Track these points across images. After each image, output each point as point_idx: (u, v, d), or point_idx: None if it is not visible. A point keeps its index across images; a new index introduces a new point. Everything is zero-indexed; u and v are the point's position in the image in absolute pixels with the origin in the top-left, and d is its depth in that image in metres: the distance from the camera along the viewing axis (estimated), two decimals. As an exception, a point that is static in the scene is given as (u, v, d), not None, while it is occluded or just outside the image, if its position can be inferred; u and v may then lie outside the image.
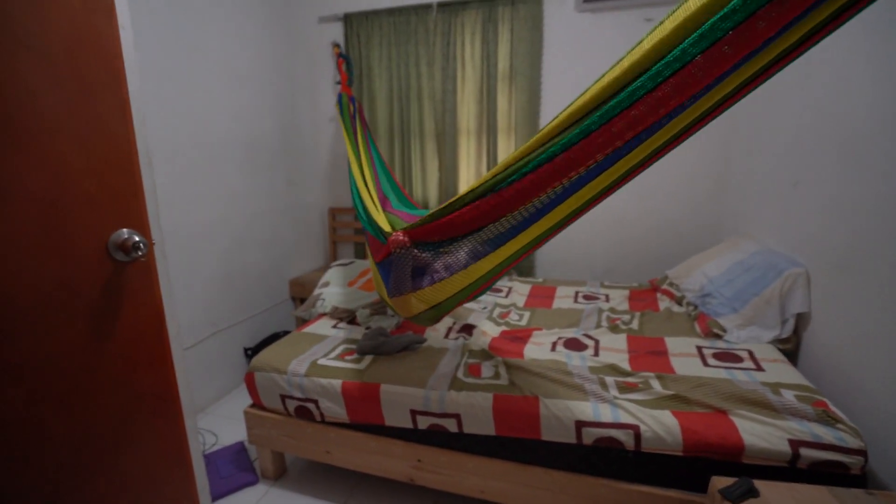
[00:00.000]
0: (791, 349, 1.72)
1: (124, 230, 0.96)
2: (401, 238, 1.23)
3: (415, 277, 1.26)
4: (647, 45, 0.83)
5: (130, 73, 1.00)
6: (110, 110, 0.94)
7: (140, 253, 0.95)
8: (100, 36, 0.91)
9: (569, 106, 0.96)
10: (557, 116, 0.98)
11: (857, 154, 1.46)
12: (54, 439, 0.85)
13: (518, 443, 1.44)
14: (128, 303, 0.99)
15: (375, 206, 1.81)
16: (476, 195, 1.07)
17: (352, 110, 2.71)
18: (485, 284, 1.34)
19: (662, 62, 0.81)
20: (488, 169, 2.95)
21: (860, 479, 1.17)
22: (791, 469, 1.19)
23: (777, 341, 1.72)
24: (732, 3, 0.72)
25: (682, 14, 0.79)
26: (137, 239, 0.95)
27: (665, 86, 0.82)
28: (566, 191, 0.99)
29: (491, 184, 1.05)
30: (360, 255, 3.38)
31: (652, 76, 0.82)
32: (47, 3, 0.80)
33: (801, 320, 1.73)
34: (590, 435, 1.34)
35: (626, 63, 0.87)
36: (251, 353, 2.66)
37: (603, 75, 0.92)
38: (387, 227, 1.47)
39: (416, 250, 1.22)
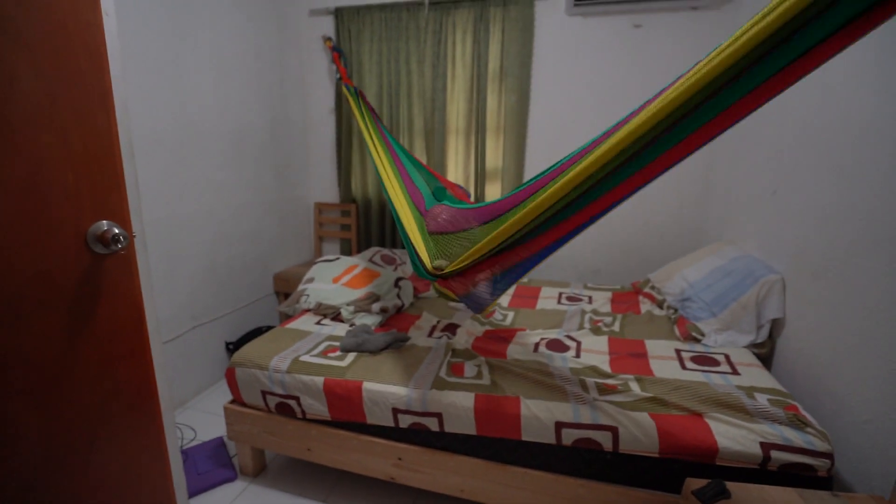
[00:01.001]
0: (766, 354, 1.76)
1: (104, 222, 0.94)
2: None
3: (492, 292, 1.42)
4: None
5: (113, 61, 0.97)
6: (92, 99, 0.92)
7: (120, 245, 0.94)
8: (82, 23, 0.89)
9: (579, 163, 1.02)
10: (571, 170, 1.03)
11: (834, 165, 1.51)
12: (27, 436, 0.83)
13: (499, 443, 1.45)
14: (106, 296, 0.97)
15: (413, 225, 1.74)
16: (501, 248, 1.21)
17: (363, 103, 2.64)
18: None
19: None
20: (476, 168, 2.96)
21: (826, 481, 1.21)
22: (762, 471, 1.23)
23: (753, 346, 1.77)
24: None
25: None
26: (117, 231, 0.93)
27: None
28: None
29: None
30: (346, 251, 3.37)
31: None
32: (27, -12, 0.78)
33: (776, 326, 1.78)
34: (569, 436, 1.36)
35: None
36: (233, 347, 2.63)
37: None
38: (428, 264, 1.49)
39: (476, 290, 1.38)
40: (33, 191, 0.81)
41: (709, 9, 2.52)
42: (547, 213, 1.10)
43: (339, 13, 3.02)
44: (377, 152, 2.20)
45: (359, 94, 2.68)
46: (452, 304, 2.30)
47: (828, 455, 1.19)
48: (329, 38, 3.06)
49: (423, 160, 3.06)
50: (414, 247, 1.58)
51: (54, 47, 0.83)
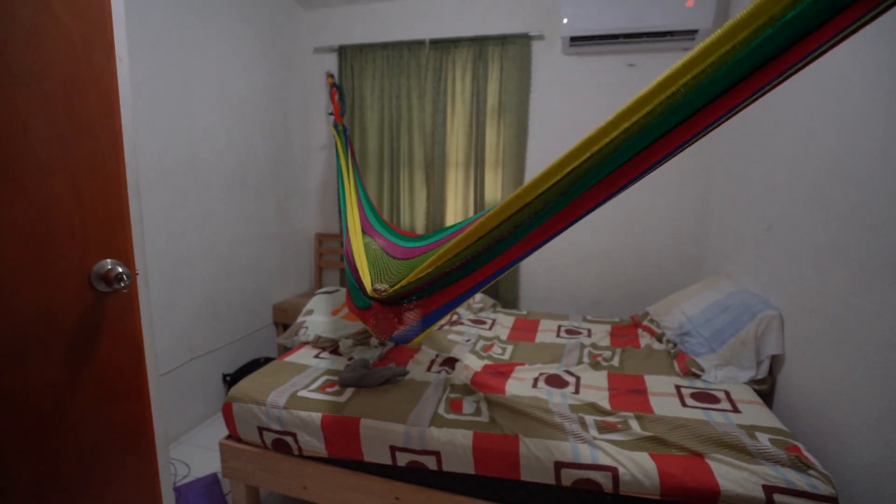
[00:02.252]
0: (767, 390, 1.75)
1: (108, 261, 0.96)
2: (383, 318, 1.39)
3: (421, 327, 1.37)
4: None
5: (125, 106, 1.01)
6: (102, 144, 0.95)
7: (123, 284, 0.95)
8: (97, 73, 0.93)
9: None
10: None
11: (825, 205, 1.54)
12: (21, 476, 0.83)
13: (498, 482, 1.42)
14: (106, 334, 0.98)
15: (361, 251, 1.85)
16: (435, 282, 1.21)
17: (344, 140, 2.75)
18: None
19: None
20: (475, 201, 3.01)
21: (832, 526, 1.18)
22: (766, 515, 1.20)
23: (753, 382, 1.75)
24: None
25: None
26: (121, 270, 0.95)
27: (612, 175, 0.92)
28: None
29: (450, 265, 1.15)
30: (346, 282, 3.37)
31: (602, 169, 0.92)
32: (47, 42, 0.82)
33: (776, 362, 1.77)
34: (569, 476, 1.33)
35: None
36: (230, 379, 2.60)
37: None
38: (368, 287, 1.52)
39: (406, 327, 1.36)
40: (40, 232, 0.83)
41: (700, 50, 2.60)
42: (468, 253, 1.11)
43: (342, 51, 3.12)
44: (349, 188, 2.34)
45: (346, 134, 2.78)
46: (452, 337, 2.29)
47: (832, 499, 1.17)
48: (331, 75, 3.15)
49: (423, 192, 3.11)
50: (359, 269, 1.65)
51: (68, 95, 0.87)
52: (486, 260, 1.12)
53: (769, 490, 1.20)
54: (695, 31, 2.43)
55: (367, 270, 1.66)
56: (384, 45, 3.02)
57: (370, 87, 3.10)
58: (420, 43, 2.95)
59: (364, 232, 2.04)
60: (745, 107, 0.92)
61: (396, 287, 1.32)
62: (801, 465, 1.24)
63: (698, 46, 0.77)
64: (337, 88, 3.05)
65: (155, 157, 2.10)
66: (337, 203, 3.39)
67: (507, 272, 1.27)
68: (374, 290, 1.46)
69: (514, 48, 2.80)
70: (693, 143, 0.97)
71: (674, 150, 0.92)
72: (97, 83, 0.93)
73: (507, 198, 1.00)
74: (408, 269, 1.44)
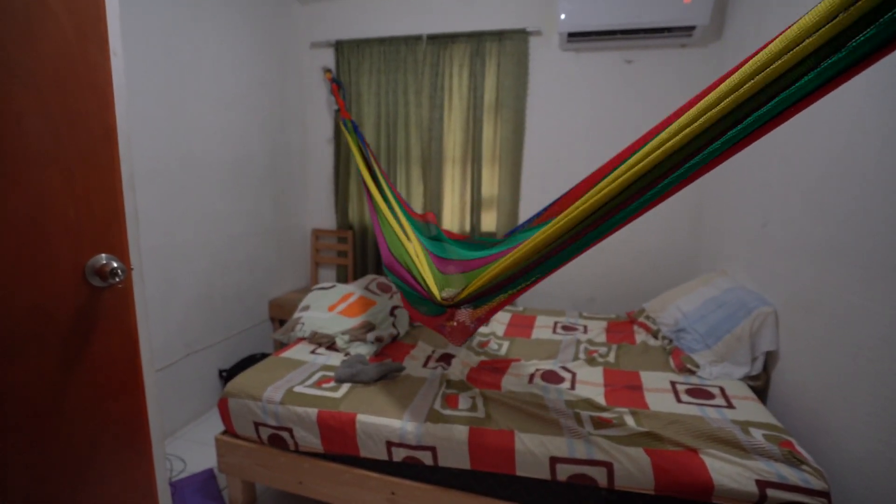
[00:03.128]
0: (761, 386, 1.76)
1: (103, 255, 0.95)
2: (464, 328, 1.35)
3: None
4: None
5: (119, 99, 1.00)
6: (96, 137, 0.94)
7: (118, 279, 0.95)
8: (91, 65, 0.92)
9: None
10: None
11: (818, 201, 1.55)
12: (15, 472, 0.82)
13: (493, 477, 1.43)
14: (101, 329, 0.97)
15: (421, 257, 1.70)
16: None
17: (356, 137, 2.68)
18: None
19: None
20: (472, 197, 3.00)
21: (824, 521, 1.19)
22: (758, 509, 1.21)
23: (748, 378, 1.77)
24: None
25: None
26: (116, 265, 0.94)
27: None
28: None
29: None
30: (342, 278, 3.37)
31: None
32: (40, 35, 0.81)
33: (771, 358, 1.78)
34: (564, 471, 1.34)
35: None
36: (226, 374, 2.60)
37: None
38: (435, 291, 1.45)
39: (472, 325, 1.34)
40: (34, 226, 0.83)
41: (696, 46, 2.61)
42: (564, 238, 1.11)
43: (339, 46, 3.11)
44: (372, 184, 2.24)
45: (357, 128, 2.74)
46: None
47: (824, 494, 1.18)
48: (329, 70, 3.14)
49: (420, 188, 3.11)
50: (423, 277, 1.54)
51: (62, 89, 0.86)
52: (555, 264, 1.15)
53: (762, 485, 1.21)
54: (692, 28, 2.43)
55: (430, 276, 1.55)
56: (381, 41, 3.01)
57: (367, 82, 3.09)
58: (417, 38, 2.94)
59: (416, 235, 1.93)
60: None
61: (465, 293, 1.32)
62: (794, 461, 1.25)
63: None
64: (337, 84, 3.04)
65: (150, 152, 2.09)
66: (335, 198, 3.38)
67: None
68: (444, 298, 1.40)
69: (511, 44, 2.80)
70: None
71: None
72: (91, 77, 0.92)
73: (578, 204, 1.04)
74: (465, 279, 1.45)
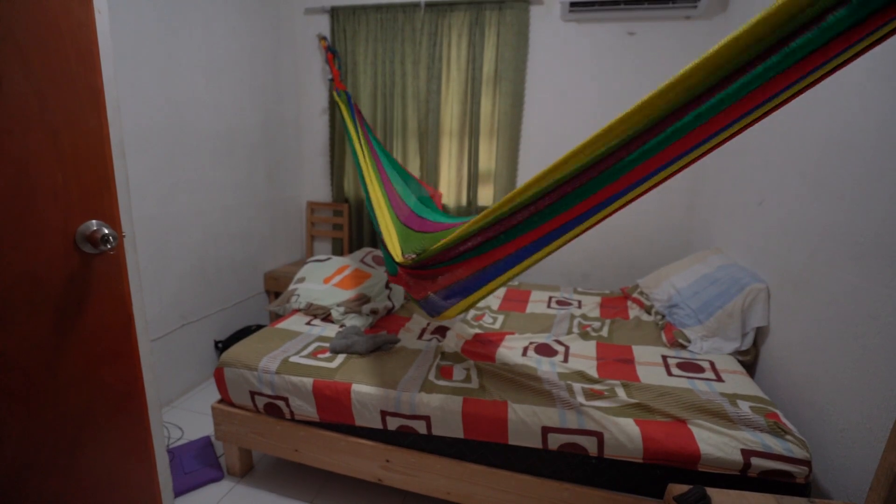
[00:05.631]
0: (750, 361, 1.79)
1: (93, 222, 0.94)
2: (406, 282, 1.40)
3: (446, 299, 1.36)
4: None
5: (105, 61, 0.97)
6: (82, 99, 0.91)
7: (109, 246, 0.93)
8: (74, 22, 0.88)
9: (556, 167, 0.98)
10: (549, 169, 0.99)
11: (815, 179, 1.54)
12: (10, 436, 0.83)
13: (485, 446, 1.46)
14: (94, 296, 0.97)
15: (388, 222, 1.83)
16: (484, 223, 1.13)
17: (348, 108, 2.66)
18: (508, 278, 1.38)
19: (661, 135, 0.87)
20: (469, 170, 2.98)
21: (804, 488, 1.23)
22: (742, 477, 1.25)
23: (737, 353, 1.80)
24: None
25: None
26: (107, 231, 0.93)
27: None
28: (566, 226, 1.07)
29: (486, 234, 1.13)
30: (338, 251, 3.36)
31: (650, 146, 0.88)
32: (19, -13, 0.78)
33: (760, 334, 1.81)
34: (555, 440, 1.37)
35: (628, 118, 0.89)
36: (222, 346, 2.62)
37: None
38: (398, 256, 1.52)
39: (433, 296, 1.35)
40: (21, 191, 0.81)
41: (701, 18, 2.55)
42: (518, 214, 1.07)
43: (334, 12, 3.01)
44: (364, 158, 2.24)
45: (350, 99, 2.68)
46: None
47: (806, 462, 1.21)
48: (324, 38, 3.05)
49: (417, 161, 3.07)
50: (385, 240, 1.65)
51: (45, 47, 0.83)
52: (511, 237, 1.11)
53: (747, 454, 1.24)
54: (697, 0, 2.37)
55: (396, 239, 1.68)
56: (378, 7, 2.91)
57: (363, 51, 3.01)
58: (415, 5, 2.85)
59: (390, 203, 2.03)
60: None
61: (423, 254, 1.31)
62: (779, 431, 1.28)
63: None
64: (332, 52, 2.96)
65: (140, 120, 2.04)
66: (330, 170, 3.34)
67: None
68: (405, 257, 1.47)
69: (511, 13, 2.72)
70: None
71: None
72: (74, 36, 0.89)
73: (537, 174, 0.99)
74: (430, 240, 1.47)
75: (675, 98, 0.83)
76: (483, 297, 1.44)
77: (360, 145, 2.31)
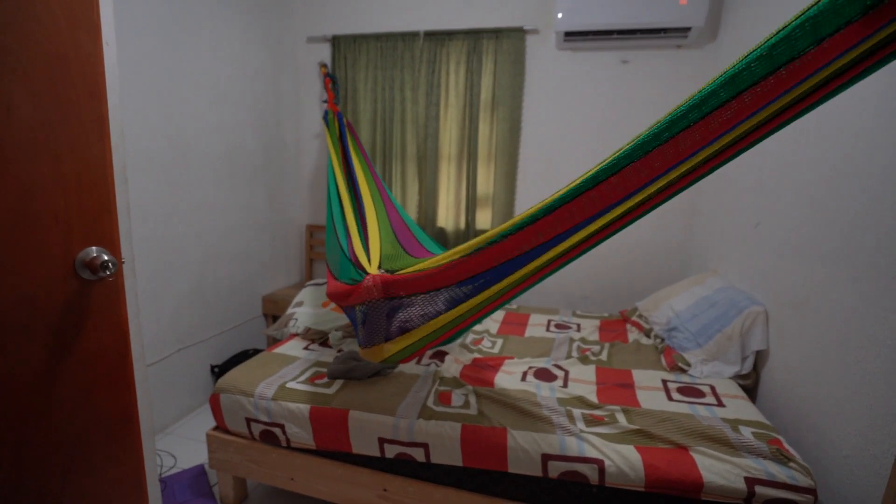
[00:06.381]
0: (751, 385, 1.78)
1: (93, 248, 0.94)
2: (373, 285, 1.26)
3: (388, 326, 1.31)
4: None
5: (111, 90, 0.99)
6: (87, 128, 0.93)
7: (108, 272, 0.94)
8: (83, 54, 0.91)
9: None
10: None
11: (812, 202, 1.56)
12: (1, 464, 0.81)
13: (485, 474, 1.43)
14: (91, 322, 0.96)
15: (358, 234, 1.81)
16: (463, 253, 1.13)
17: (338, 128, 2.72)
18: (460, 325, 1.37)
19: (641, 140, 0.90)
20: (468, 194, 3.01)
21: (811, 517, 1.21)
22: (747, 506, 1.22)
23: (738, 377, 1.78)
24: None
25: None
26: (107, 258, 0.93)
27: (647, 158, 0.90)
28: (543, 246, 1.05)
29: (477, 242, 1.11)
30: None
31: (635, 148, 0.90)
32: (30, 23, 0.80)
33: (760, 357, 1.80)
34: (555, 468, 1.35)
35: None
36: (218, 370, 2.58)
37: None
38: (366, 264, 1.48)
39: (391, 301, 1.27)
40: (23, 217, 0.82)
41: (692, 48, 2.62)
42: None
43: (335, 41, 3.09)
44: (340, 176, 2.31)
45: (342, 120, 2.75)
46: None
47: (811, 490, 1.19)
48: (325, 65, 3.13)
49: (416, 185, 3.10)
50: (357, 248, 1.63)
51: (52, 78, 0.85)
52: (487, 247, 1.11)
53: (751, 482, 1.22)
54: (688, 29, 2.44)
55: (378, 251, 1.65)
56: (378, 36, 2.99)
57: (363, 78, 3.07)
58: (414, 34, 2.93)
59: (388, 219, 2.05)
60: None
61: (406, 271, 1.29)
62: (782, 458, 1.26)
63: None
64: (331, 78, 3.03)
65: (143, 143, 2.07)
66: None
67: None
68: (379, 270, 1.43)
69: (508, 42, 2.79)
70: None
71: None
72: (82, 66, 0.91)
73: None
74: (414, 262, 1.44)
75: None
76: (432, 338, 1.39)
77: (339, 163, 2.37)
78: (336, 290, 1.52)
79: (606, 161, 0.95)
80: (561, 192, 0.99)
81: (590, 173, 0.96)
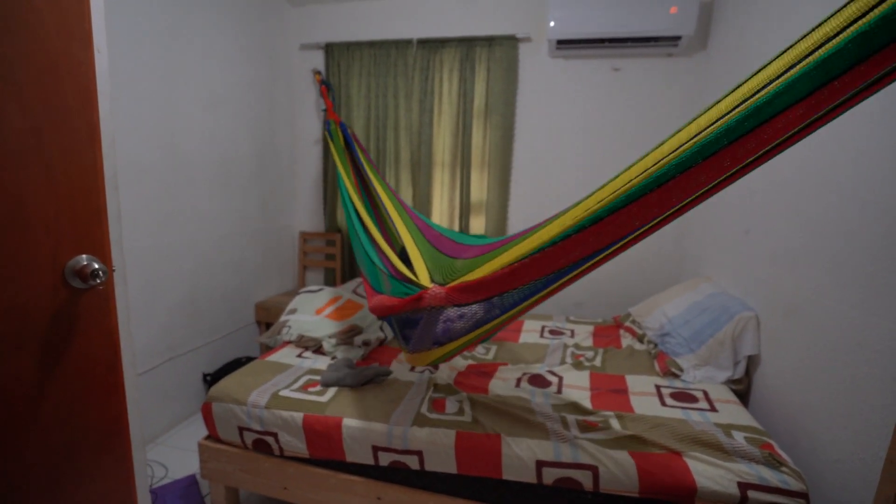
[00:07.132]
0: (743, 390, 1.79)
1: (83, 256, 0.94)
2: (440, 294, 1.19)
3: (438, 333, 1.28)
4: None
5: (103, 98, 0.99)
6: (79, 136, 0.93)
7: (98, 281, 0.93)
8: (74, 64, 0.91)
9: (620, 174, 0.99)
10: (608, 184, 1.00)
11: (798, 210, 1.58)
12: (-12, 478, 0.80)
13: (479, 482, 1.43)
14: (81, 332, 0.95)
15: (390, 248, 1.74)
16: (524, 254, 1.07)
17: (342, 138, 2.72)
18: (497, 328, 1.37)
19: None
20: (461, 201, 3.02)
21: (803, 522, 1.21)
22: (740, 511, 1.23)
23: (730, 382, 1.79)
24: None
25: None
26: (97, 266, 0.93)
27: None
28: (602, 251, 1.09)
29: (538, 244, 1.06)
30: (330, 281, 3.35)
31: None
32: (21, 31, 0.80)
33: (752, 362, 1.81)
34: (550, 475, 1.34)
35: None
36: (210, 378, 2.56)
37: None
38: (414, 277, 1.37)
39: (451, 310, 1.22)
40: (14, 224, 0.81)
41: (682, 56, 2.66)
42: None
43: (329, 48, 3.10)
44: (351, 186, 2.25)
45: (346, 129, 2.74)
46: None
47: (802, 495, 1.20)
48: (318, 72, 3.14)
49: (410, 192, 3.11)
50: (399, 264, 1.51)
51: (44, 86, 0.85)
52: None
53: (744, 487, 1.22)
54: (678, 38, 2.48)
55: (422, 261, 1.53)
56: (371, 44, 3.01)
57: (357, 85, 3.08)
58: (407, 42, 2.94)
59: (415, 225, 1.99)
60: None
61: (466, 279, 1.20)
62: (775, 463, 1.27)
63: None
64: (326, 85, 3.04)
65: (135, 151, 2.06)
66: (323, 200, 3.36)
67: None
68: (434, 283, 1.31)
69: (501, 50, 2.82)
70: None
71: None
72: (74, 74, 0.91)
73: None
74: (467, 267, 1.32)
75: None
76: (471, 342, 1.38)
77: (348, 174, 2.35)
78: (381, 304, 1.43)
79: (675, 157, 0.88)
80: (625, 190, 0.92)
81: (657, 170, 0.89)
